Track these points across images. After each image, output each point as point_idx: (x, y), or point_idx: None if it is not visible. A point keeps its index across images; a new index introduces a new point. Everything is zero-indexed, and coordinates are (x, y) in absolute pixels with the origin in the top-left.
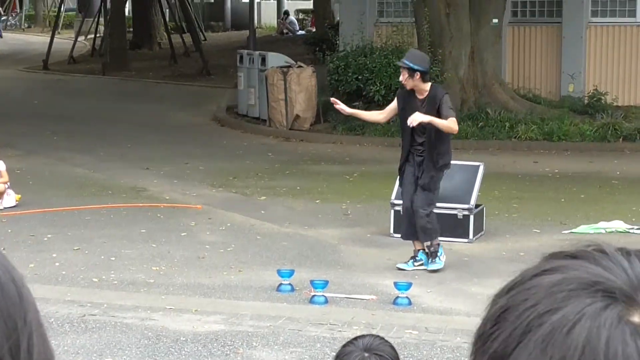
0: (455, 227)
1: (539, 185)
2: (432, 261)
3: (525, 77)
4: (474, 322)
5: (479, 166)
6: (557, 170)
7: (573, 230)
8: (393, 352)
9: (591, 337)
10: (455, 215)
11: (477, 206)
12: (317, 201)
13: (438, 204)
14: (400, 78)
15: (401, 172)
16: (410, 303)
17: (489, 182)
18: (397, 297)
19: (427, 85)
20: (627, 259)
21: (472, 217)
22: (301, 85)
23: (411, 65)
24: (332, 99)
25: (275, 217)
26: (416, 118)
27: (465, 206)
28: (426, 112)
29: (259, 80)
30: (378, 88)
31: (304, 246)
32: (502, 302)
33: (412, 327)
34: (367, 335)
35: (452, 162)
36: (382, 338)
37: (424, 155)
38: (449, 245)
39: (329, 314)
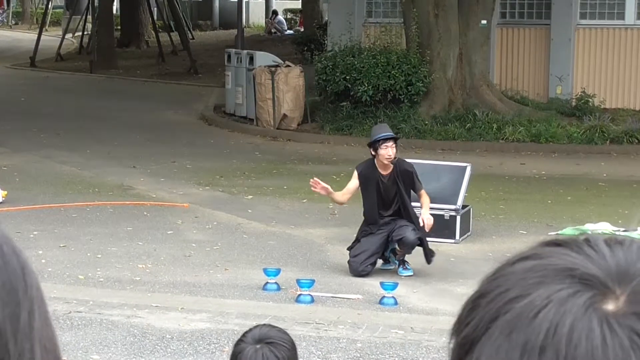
0: (442, 227)
1: (525, 186)
2: (405, 268)
3: (514, 78)
4: None
5: (466, 167)
6: (544, 172)
7: (559, 232)
8: (285, 336)
9: (555, 323)
10: (442, 215)
11: (464, 207)
12: (304, 201)
13: None
14: (390, 153)
15: (359, 240)
16: (396, 303)
17: (476, 183)
18: (383, 297)
19: None
20: (610, 248)
21: (458, 218)
22: (289, 85)
23: (394, 135)
24: (312, 181)
25: (262, 216)
26: (430, 220)
27: (452, 207)
28: (400, 187)
29: (246, 79)
30: (366, 88)
31: (291, 245)
32: (479, 288)
33: (398, 326)
34: (256, 326)
35: (440, 162)
36: (271, 325)
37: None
38: (435, 246)
39: (315, 313)
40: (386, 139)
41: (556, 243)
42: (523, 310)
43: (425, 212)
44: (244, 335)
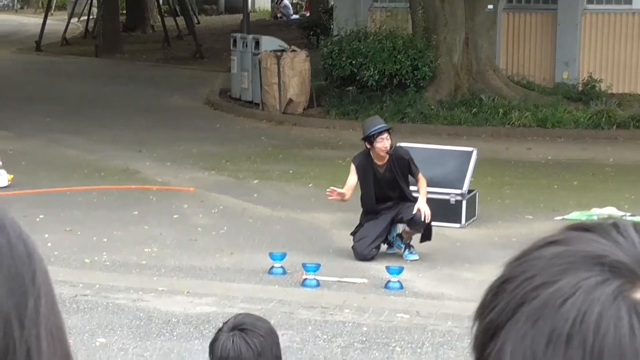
0: (448, 212)
1: (532, 171)
2: (411, 252)
3: (520, 63)
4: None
5: (472, 152)
6: (550, 157)
7: (565, 217)
8: (260, 323)
9: (583, 311)
10: (448, 200)
11: (469, 192)
12: (310, 185)
13: (432, 189)
14: (386, 145)
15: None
16: (401, 287)
17: (482, 168)
18: (389, 281)
19: None
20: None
21: (464, 203)
22: (295, 70)
23: (388, 127)
24: (329, 191)
25: (268, 201)
26: (427, 210)
27: (458, 191)
28: (397, 176)
29: (252, 64)
30: (372, 73)
31: (296, 230)
32: (505, 272)
33: (404, 311)
34: (235, 315)
35: (446, 147)
36: (249, 314)
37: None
38: (441, 231)
39: (321, 297)
40: (381, 132)
41: (584, 228)
42: (550, 297)
43: (421, 200)
44: (223, 324)
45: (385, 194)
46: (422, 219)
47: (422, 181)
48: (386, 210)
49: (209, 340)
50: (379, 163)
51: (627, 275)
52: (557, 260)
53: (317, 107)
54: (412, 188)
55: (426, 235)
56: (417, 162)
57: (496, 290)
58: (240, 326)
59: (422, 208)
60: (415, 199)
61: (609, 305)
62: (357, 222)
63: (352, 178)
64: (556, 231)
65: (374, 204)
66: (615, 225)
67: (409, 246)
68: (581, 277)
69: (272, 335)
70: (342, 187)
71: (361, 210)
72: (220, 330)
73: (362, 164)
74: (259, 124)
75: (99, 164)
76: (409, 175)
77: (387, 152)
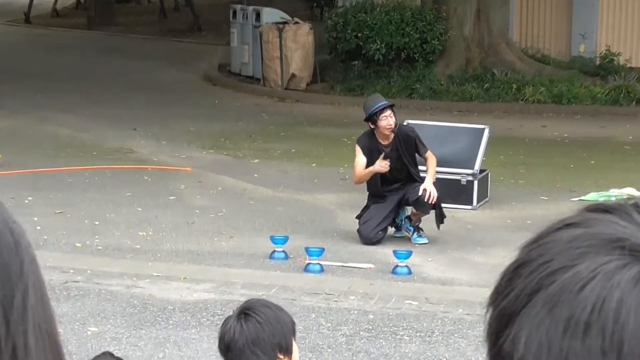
0: (458, 193)
1: (547, 150)
2: (420, 235)
3: (534, 36)
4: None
5: (484, 129)
6: (566, 135)
7: (582, 198)
8: (268, 311)
9: (602, 297)
10: (459, 180)
11: (481, 171)
12: (313, 165)
13: (442, 169)
14: (390, 122)
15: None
16: (410, 272)
17: (495, 146)
18: (397, 266)
19: None
20: None
21: (476, 183)
22: (297, 43)
23: (390, 103)
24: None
25: (269, 181)
26: (432, 191)
27: (469, 171)
28: (403, 156)
29: (253, 37)
30: (379, 46)
31: (299, 212)
32: (519, 256)
33: (412, 297)
34: (251, 299)
35: (456, 125)
36: (262, 300)
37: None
38: (451, 213)
39: (325, 283)
40: (383, 109)
41: (603, 209)
42: (567, 283)
43: (427, 180)
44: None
45: (391, 175)
46: (427, 200)
47: (431, 160)
48: (393, 192)
49: (206, 328)
50: (384, 143)
51: None
52: (575, 243)
53: (321, 82)
54: (421, 168)
55: (439, 218)
56: (426, 140)
57: (510, 275)
58: (246, 310)
59: (427, 188)
60: (423, 180)
61: (629, 291)
62: (363, 203)
63: (362, 158)
64: (573, 213)
65: (379, 186)
66: (636, 206)
67: (418, 229)
68: (600, 262)
69: (275, 324)
70: (346, 165)
71: (367, 191)
72: (230, 315)
73: (367, 145)
74: (260, 100)
75: (92, 143)
76: (417, 155)
77: (392, 131)
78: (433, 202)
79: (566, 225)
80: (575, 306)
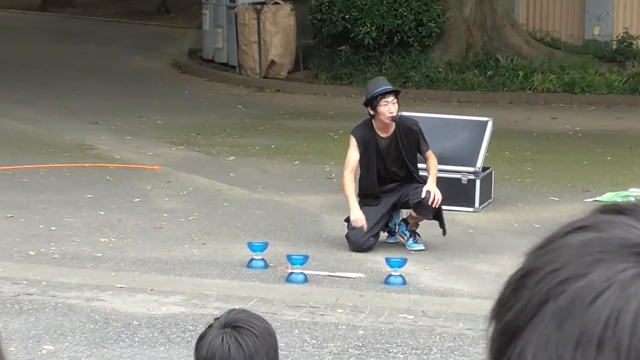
0: (459, 193)
1: (557, 145)
2: (416, 240)
3: (543, 17)
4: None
5: (487, 122)
6: (579, 128)
7: (597, 198)
8: (257, 322)
9: (617, 309)
10: (459, 179)
11: (484, 169)
12: (296, 162)
13: (440, 167)
14: (392, 109)
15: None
16: (404, 282)
17: (499, 140)
18: (390, 275)
19: None
20: None
21: (478, 182)
22: (277, 26)
23: (394, 89)
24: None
25: (246, 181)
26: (437, 194)
27: (471, 169)
28: (403, 152)
29: (227, 19)
30: (368, 29)
31: (280, 215)
32: (525, 264)
33: (407, 310)
34: (229, 310)
35: (456, 117)
36: (245, 310)
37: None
38: (450, 216)
39: (309, 294)
40: (385, 94)
41: (617, 210)
42: (579, 293)
43: (430, 181)
44: (214, 320)
45: (388, 173)
46: (431, 203)
47: (432, 160)
48: (388, 193)
49: (176, 346)
50: (383, 135)
51: None
52: (587, 249)
53: (304, 70)
54: (421, 166)
55: (441, 223)
56: (425, 134)
57: (515, 285)
58: (233, 323)
59: (431, 190)
60: (423, 181)
61: None
62: (345, 207)
63: (354, 154)
64: (585, 215)
65: (375, 185)
66: None
67: (414, 234)
68: (615, 269)
69: (269, 338)
70: (333, 163)
71: (358, 192)
72: (210, 326)
73: (364, 137)
74: (236, 90)
75: (47, 138)
76: (418, 153)
77: (392, 120)
78: (437, 206)
79: (576, 228)
80: (588, 320)
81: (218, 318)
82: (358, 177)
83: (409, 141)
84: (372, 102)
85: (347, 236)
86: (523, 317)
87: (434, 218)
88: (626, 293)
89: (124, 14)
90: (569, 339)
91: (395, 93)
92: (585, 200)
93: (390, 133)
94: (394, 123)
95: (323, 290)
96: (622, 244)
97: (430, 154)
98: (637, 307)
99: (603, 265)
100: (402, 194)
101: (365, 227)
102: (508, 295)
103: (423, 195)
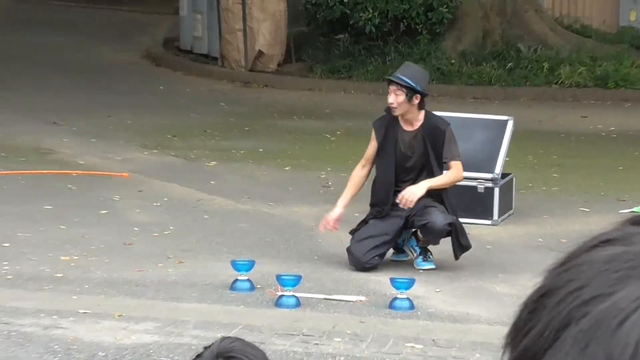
0: (475, 203)
1: (588, 148)
2: (426, 259)
3: (571, 1)
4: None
5: (507, 121)
6: (612, 128)
7: (634, 209)
8: (253, 351)
9: None
10: (475, 188)
11: (503, 176)
12: (287, 168)
13: None
14: (391, 100)
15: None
16: (412, 306)
17: (521, 143)
18: (395, 298)
19: (422, 114)
20: None
21: (497, 191)
22: (266, 12)
23: (412, 84)
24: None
25: (230, 190)
26: (411, 195)
27: (489, 176)
28: (424, 148)
29: (208, 3)
30: (370, 15)
31: (269, 229)
32: (545, 282)
33: (415, 339)
34: (221, 339)
35: (471, 116)
36: (239, 339)
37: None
38: (466, 230)
39: (302, 320)
40: (389, 82)
41: None
42: (604, 315)
43: (420, 185)
44: (204, 349)
45: (407, 174)
46: (443, 224)
47: (453, 171)
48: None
49: None
50: (407, 128)
51: None
52: (613, 265)
53: (297, 62)
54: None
55: (457, 247)
56: None
57: (533, 307)
58: (227, 353)
59: (406, 193)
60: (445, 193)
61: None
62: (352, 218)
63: (371, 145)
64: (613, 227)
65: (390, 186)
66: None
67: (425, 250)
68: None
69: None
70: (329, 168)
71: (358, 201)
72: (199, 355)
73: (386, 126)
74: (218, 85)
75: (0, 141)
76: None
77: (393, 112)
78: (406, 206)
79: (602, 242)
80: (615, 345)
81: (209, 347)
82: (372, 181)
83: (434, 141)
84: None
85: (348, 250)
86: (542, 343)
87: (452, 239)
88: None
89: None
90: None
91: (399, 83)
92: (620, 211)
93: (415, 128)
94: (419, 119)
95: (318, 315)
96: None
97: (455, 165)
98: None
99: (632, 282)
100: (416, 208)
101: (331, 228)
102: (525, 318)
103: (397, 199)
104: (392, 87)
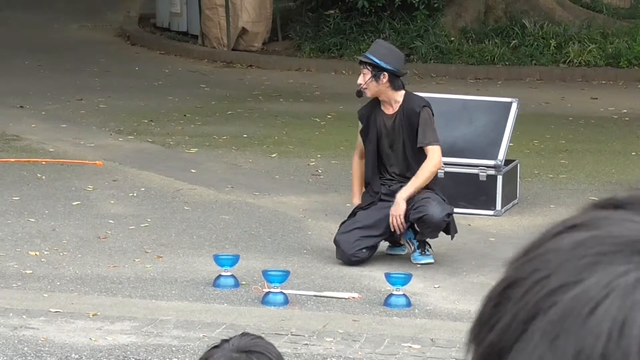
0: (477, 192)
1: (599, 132)
2: (424, 252)
3: None
4: None
5: (511, 103)
6: (625, 111)
7: None
8: (274, 350)
9: (620, 320)
10: (477, 175)
11: (507, 162)
12: (274, 155)
13: (453, 160)
14: (359, 80)
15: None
16: (409, 304)
17: (526, 126)
18: (391, 294)
19: (400, 94)
20: None
21: (500, 179)
22: None
23: (378, 62)
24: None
25: (212, 179)
26: (396, 218)
27: (491, 162)
28: (403, 134)
29: None
30: None
31: (254, 221)
32: (508, 274)
33: (412, 338)
34: (241, 334)
35: (473, 97)
36: (263, 338)
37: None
38: (466, 220)
39: (291, 319)
40: (360, 62)
41: (616, 205)
42: (573, 304)
43: (401, 193)
44: (222, 341)
45: (390, 161)
46: (441, 216)
47: (429, 161)
48: (392, 196)
49: None
50: (387, 112)
51: None
52: (580, 251)
53: (283, 40)
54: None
55: (452, 229)
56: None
57: (497, 300)
58: (249, 348)
59: (394, 211)
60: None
61: None
62: (344, 209)
63: (359, 138)
64: (578, 212)
65: (375, 177)
66: None
67: (423, 243)
68: (615, 273)
69: None
70: (319, 155)
71: (349, 190)
72: (216, 347)
73: (367, 113)
74: (198, 65)
75: None
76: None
77: (358, 94)
78: (400, 229)
79: (567, 228)
80: (586, 335)
81: (227, 340)
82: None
83: (409, 125)
84: None
85: (335, 241)
86: (508, 337)
87: (445, 230)
88: (629, 300)
89: None
90: (564, 359)
91: (376, 68)
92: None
93: (394, 110)
94: (397, 101)
95: (308, 314)
96: (623, 242)
97: (431, 151)
98: None
99: (600, 268)
100: (413, 200)
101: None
102: (489, 312)
103: (426, 212)
104: (362, 67)
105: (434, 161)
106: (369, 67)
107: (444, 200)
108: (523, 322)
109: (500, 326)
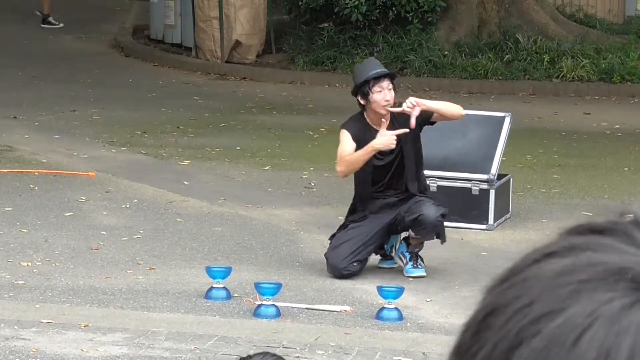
0: (469, 206)
1: (591, 147)
2: (416, 265)
3: None
4: None
5: (504, 118)
6: (618, 126)
7: None
8: None
9: (606, 349)
10: (469, 189)
11: (500, 177)
12: (266, 168)
13: (446, 174)
14: (388, 97)
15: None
16: (401, 317)
17: (519, 141)
18: (383, 308)
19: None
20: None
21: (492, 193)
22: None
23: (390, 72)
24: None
25: (205, 191)
26: (414, 104)
27: (484, 176)
28: (406, 144)
29: None
30: (357, 3)
31: (246, 233)
32: (487, 301)
33: (404, 352)
34: (266, 353)
35: (467, 112)
36: (277, 355)
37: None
38: (459, 234)
39: (282, 332)
40: (379, 78)
41: (595, 230)
42: (558, 332)
43: (427, 101)
44: (248, 356)
45: (384, 177)
46: (436, 216)
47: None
48: (386, 209)
49: None
50: (378, 128)
51: None
52: (562, 279)
53: (277, 53)
54: (430, 173)
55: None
56: (425, 132)
57: (477, 328)
58: None
59: (406, 104)
60: (427, 189)
61: None
62: (336, 221)
63: (350, 143)
64: (555, 238)
65: (369, 194)
66: (636, 223)
67: (415, 257)
68: (599, 301)
69: None
70: (312, 168)
71: (343, 203)
72: None
73: (357, 134)
74: (192, 77)
75: None
76: (429, 124)
77: (388, 110)
78: (414, 108)
79: (546, 255)
80: None
81: (250, 357)
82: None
83: (404, 123)
84: (363, 89)
85: (326, 256)
86: None
87: (439, 236)
88: (615, 329)
89: None
90: None
91: (391, 77)
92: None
93: (387, 124)
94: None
95: (299, 326)
96: (605, 270)
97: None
98: (631, 345)
99: (584, 296)
100: (408, 206)
101: (394, 139)
102: (469, 341)
103: (421, 212)
104: (385, 83)
105: (460, 107)
106: (389, 79)
107: (438, 205)
108: (506, 351)
109: (481, 355)
